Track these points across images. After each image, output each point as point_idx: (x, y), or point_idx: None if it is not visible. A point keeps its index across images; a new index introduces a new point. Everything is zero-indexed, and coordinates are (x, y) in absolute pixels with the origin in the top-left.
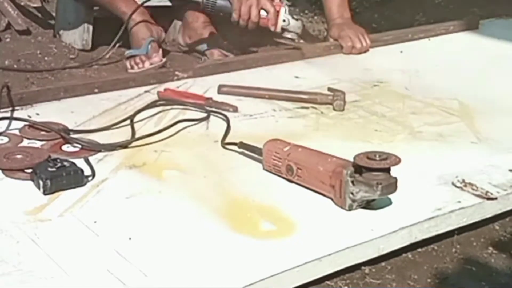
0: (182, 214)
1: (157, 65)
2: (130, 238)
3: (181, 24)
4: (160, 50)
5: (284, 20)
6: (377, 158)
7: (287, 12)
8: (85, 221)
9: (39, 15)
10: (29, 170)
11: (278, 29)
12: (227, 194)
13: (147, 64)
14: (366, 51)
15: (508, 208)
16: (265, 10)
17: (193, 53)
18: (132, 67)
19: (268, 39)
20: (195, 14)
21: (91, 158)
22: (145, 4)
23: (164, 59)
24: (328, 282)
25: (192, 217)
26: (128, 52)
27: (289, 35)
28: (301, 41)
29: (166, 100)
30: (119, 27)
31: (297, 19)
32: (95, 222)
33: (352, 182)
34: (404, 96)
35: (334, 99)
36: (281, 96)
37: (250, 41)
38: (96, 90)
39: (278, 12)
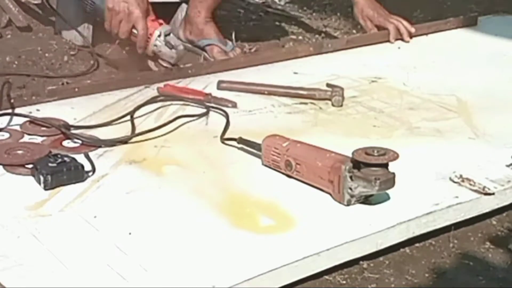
0: (182, 209)
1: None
2: (130, 233)
3: (181, 20)
4: None
5: (155, 45)
6: (375, 154)
7: (162, 36)
8: (86, 216)
9: (40, 11)
10: (30, 166)
11: (149, 53)
12: (227, 190)
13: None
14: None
15: (505, 203)
16: (136, 29)
17: (193, 49)
18: None
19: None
20: (197, 9)
21: (91, 154)
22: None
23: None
24: (326, 277)
25: (191, 212)
26: None
27: (163, 63)
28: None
29: (166, 96)
30: None
31: (171, 48)
32: (95, 217)
33: (351, 177)
34: (402, 92)
35: (333, 94)
36: (280, 92)
37: (251, 39)
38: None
39: (150, 34)
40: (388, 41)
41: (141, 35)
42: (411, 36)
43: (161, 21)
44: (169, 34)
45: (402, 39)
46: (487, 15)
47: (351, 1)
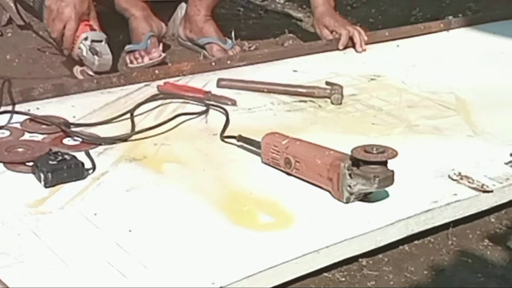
0: (182, 206)
1: (156, 61)
2: (130, 231)
3: (181, 18)
4: (160, 45)
5: (79, 48)
6: (374, 151)
7: (88, 41)
8: (86, 213)
9: None
10: (30, 163)
11: (74, 57)
12: (226, 187)
13: (146, 59)
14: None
15: (504, 201)
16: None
17: (193, 47)
18: (131, 62)
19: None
20: (197, 7)
21: (91, 151)
22: None
23: (163, 54)
24: (326, 274)
25: (191, 210)
26: (127, 47)
27: (88, 70)
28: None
29: (165, 94)
30: (120, 21)
31: (94, 54)
32: (95, 214)
33: (350, 175)
34: (401, 90)
35: (332, 92)
36: (279, 90)
37: (250, 37)
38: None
39: (77, 37)
40: (337, 48)
41: (67, 36)
42: (365, 44)
43: (96, 28)
44: (101, 41)
45: (355, 48)
46: (485, 12)
47: (312, 11)
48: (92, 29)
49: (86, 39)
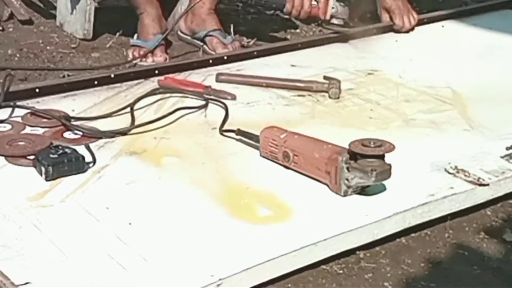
0: (181, 200)
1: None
2: (130, 223)
3: (180, 13)
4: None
5: (333, 8)
6: (372, 145)
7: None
8: (86, 206)
9: (41, 5)
10: (31, 157)
11: (328, 17)
12: (225, 180)
13: (149, 60)
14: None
15: (500, 194)
16: (316, 0)
17: (192, 42)
18: (134, 58)
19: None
20: (202, 0)
21: (92, 145)
22: None
23: (168, 60)
24: (323, 267)
25: (190, 203)
26: (133, 41)
27: (336, 21)
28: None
29: (165, 88)
30: (120, 16)
31: (343, 6)
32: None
33: (347, 168)
34: (398, 84)
35: (330, 87)
36: (277, 84)
37: (250, 32)
38: (96, 83)
39: (328, 0)
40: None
41: (324, 2)
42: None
43: None
44: None
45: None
46: (481, 4)
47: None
48: None
49: None
